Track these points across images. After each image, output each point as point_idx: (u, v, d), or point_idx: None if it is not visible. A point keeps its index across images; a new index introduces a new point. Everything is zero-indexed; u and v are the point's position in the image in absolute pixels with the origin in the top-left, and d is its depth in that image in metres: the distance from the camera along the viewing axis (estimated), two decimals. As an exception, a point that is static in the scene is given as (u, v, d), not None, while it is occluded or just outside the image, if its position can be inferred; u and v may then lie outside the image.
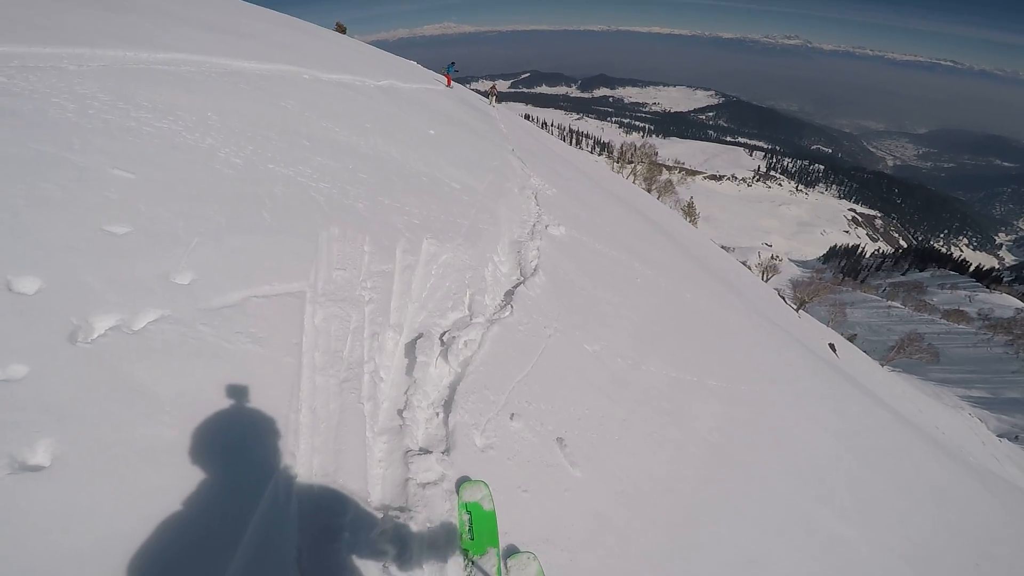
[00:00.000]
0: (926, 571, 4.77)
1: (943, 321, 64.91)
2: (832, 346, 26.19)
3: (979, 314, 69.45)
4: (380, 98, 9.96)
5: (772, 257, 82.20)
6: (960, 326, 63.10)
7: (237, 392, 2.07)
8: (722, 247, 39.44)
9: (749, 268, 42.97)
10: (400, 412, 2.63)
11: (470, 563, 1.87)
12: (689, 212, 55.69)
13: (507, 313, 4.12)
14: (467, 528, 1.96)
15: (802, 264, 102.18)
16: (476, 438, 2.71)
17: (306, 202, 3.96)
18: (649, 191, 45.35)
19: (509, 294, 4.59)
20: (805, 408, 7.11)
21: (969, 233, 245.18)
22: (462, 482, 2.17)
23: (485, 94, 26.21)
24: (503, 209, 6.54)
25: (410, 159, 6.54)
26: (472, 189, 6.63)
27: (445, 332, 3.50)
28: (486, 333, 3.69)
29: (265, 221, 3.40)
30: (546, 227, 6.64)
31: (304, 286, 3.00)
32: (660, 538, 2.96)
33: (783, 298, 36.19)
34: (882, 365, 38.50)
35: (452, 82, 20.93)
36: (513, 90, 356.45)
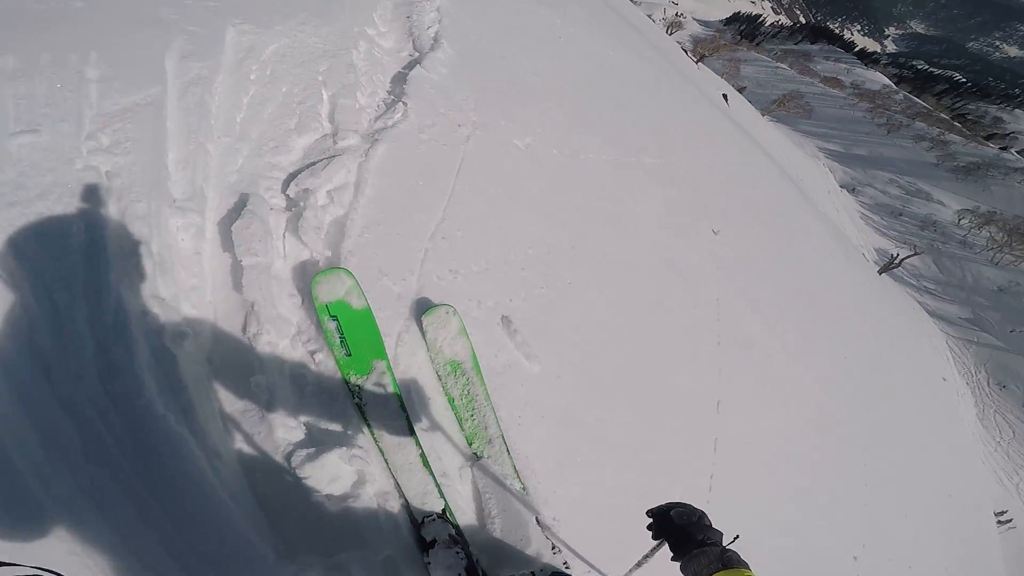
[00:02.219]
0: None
1: (820, 85, 71.55)
2: (725, 96, 28.29)
3: (852, 84, 77.03)
4: None
5: (677, 15, 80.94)
6: (834, 91, 70.21)
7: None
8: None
9: (653, 21, 41.83)
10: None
11: (357, 389, 1.43)
12: None
13: (398, 115, 2.70)
14: (337, 340, 1.47)
15: (705, 24, 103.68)
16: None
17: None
18: None
19: (398, 81, 3.05)
20: (715, 175, 7.19)
21: (864, 21, 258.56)
22: (315, 276, 1.58)
23: None
24: None
25: None
26: None
27: (289, 181, 2.13)
28: (365, 164, 2.34)
29: None
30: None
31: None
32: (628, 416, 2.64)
33: (685, 51, 36.93)
34: (763, 115, 43.03)
35: None
36: None
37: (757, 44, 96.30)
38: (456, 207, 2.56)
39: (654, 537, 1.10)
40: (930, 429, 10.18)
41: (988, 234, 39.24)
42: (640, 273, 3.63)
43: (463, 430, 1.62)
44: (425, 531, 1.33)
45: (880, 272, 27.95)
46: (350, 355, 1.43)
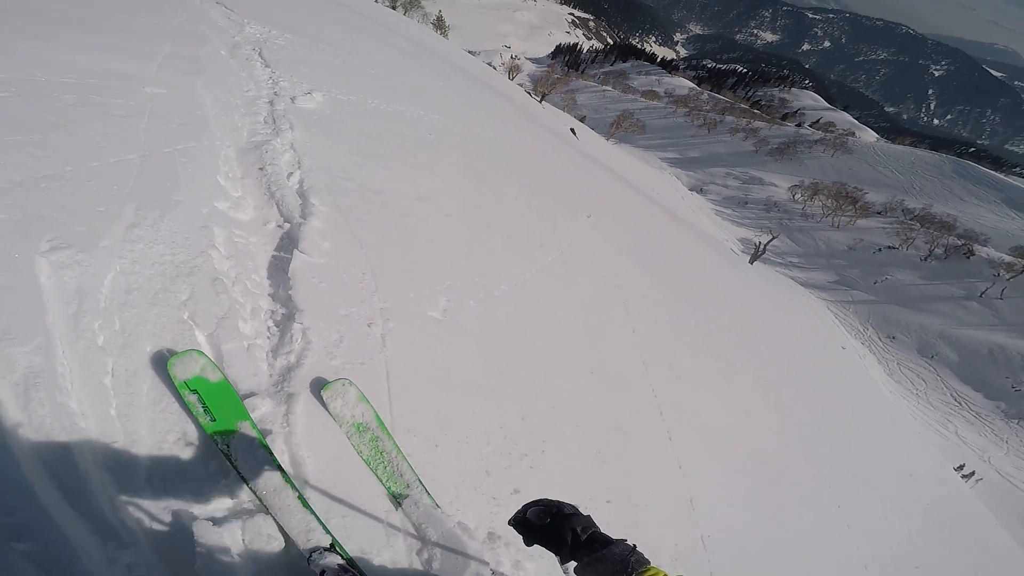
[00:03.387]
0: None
1: (642, 99, 79.53)
2: (573, 130, 28.27)
3: (666, 92, 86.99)
4: None
5: (512, 57, 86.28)
6: (654, 103, 78.31)
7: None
8: (469, 52, 38.29)
9: (494, 68, 42.59)
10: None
11: (226, 448, 1.45)
12: (440, 25, 52.40)
13: (298, 343, 1.99)
14: (200, 409, 1.49)
15: (536, 61, 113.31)
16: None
17: None
18: (394, 7, 39.39)
19: (278, 278, 2.27)
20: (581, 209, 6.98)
21: (657, 32, 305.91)
22: (170, 359, 1.53)
23: None
24: (207, 97, 3.29)
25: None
26: (133, 80, 3.02)
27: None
28: (292, 439, 1.66)
29: None
30: (292, 100, 3.95)
31: None
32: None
33: (529, 93, 37.69)
34: (607, 139, 44.99)
35: None
36: None
37: (582, 72, 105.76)
38: (402, 438, 1.92)
39: (527, 544, 0.98)
40: (863, 410, 11.01)
41: (820, 203, 44.33)
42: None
43: (381, 481, 1.71)
44: (313, 564, 1.32)
45: (751, 262, 29.03)
46: (215, 420, 1.49)
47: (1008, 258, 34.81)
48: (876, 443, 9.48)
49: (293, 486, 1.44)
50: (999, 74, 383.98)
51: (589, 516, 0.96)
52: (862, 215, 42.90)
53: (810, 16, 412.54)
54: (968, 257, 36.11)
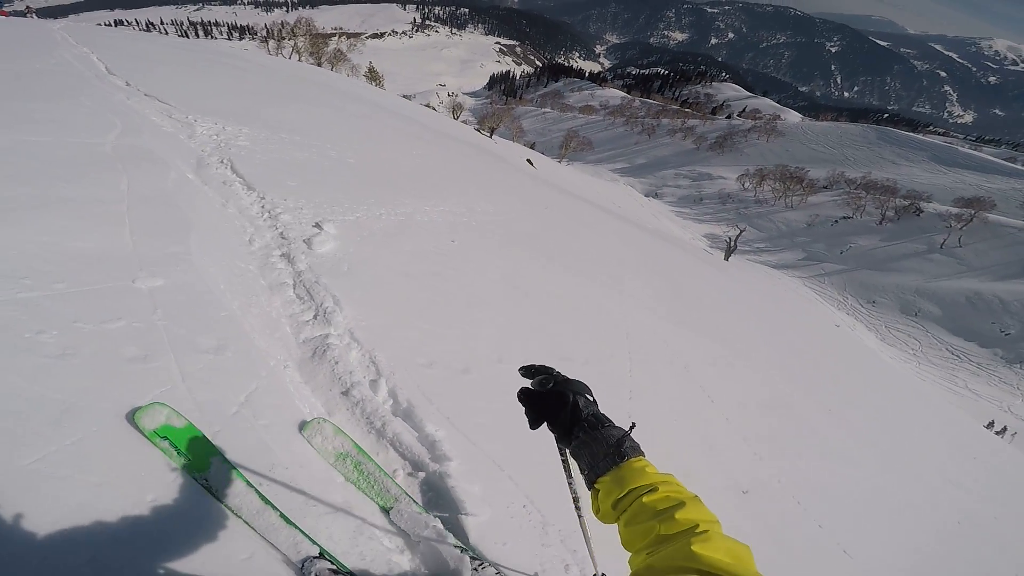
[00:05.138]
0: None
1: (581, 115, 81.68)
2: (529, 161, 28.21)
3: (601, 105, 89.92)
4: None
5: (449, 95, 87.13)
6: (592, 117, 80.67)
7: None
8: (404, 96, 38.22)
9: (434, 109, 42.60)
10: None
11: (204, 481, 1.55)
12: (373, 76, 51.65)
13: None
14: (174, 453, 1.59)
15: (474, 95, 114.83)
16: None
17: None
18: (320, 65, 38.80)
19: None
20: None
21: (579, 48, 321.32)
22: (134, 413, 1.59)
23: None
24: (217, 275, 2.40)
25: None
26: (113, 268, 2.10)
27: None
28: None
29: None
30: (308, 245, 3.09)
31: None
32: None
33: (478, 129, 37.65)
34: (559, 162, 45.52)
35: None
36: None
37: (519, 98, 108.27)
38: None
39: (532, 426, 0.89)
40: (889, 389, 10.75)
41: (769, 187, 46.06)
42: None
43: (370, 497, 1.77)
44: (306, 572, 1.39)
45: (726, 258, 29.39)
46: (190, 459, 1.56)
47: (955, 209, 36.90)
48: (919, 419, 9.28)
49: (273, 506, 1.51)
50: (885, 43, 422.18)
51: (590, 389, 0.92)
52: (810, 192, 44.80)
53: (709, 11, 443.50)
54: (918, 215, 38.07)
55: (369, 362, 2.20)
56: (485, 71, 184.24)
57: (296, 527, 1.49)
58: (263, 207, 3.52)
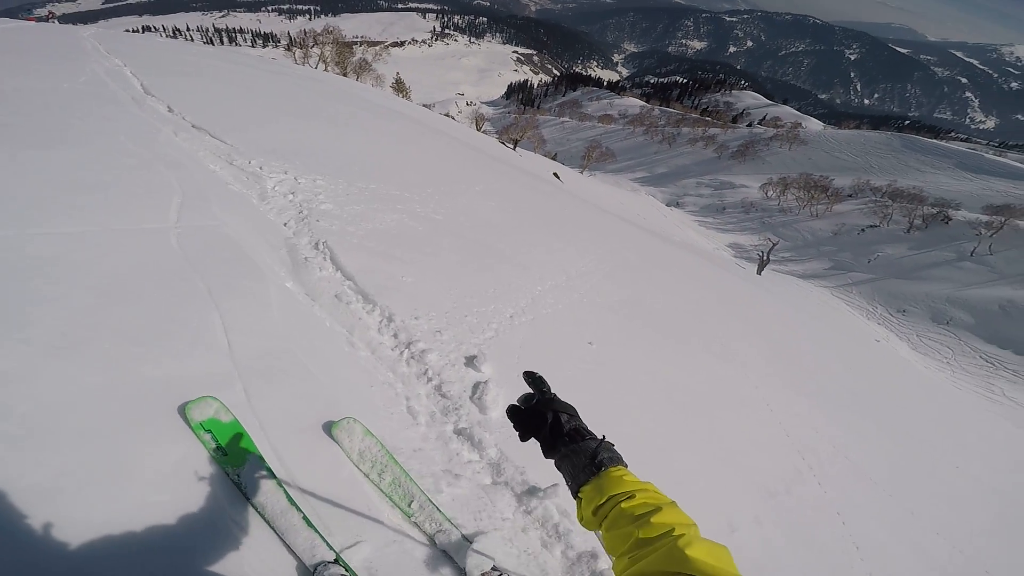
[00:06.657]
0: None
1: (600, 125, 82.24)
2: (556, 174, 28.77)
3: (620, 114, 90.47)
4: None
5: (468, 104, 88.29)
6: (611, 126, 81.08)
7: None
8: (424, 105, 38.80)
9: (453, 118, 43.49)
10: None
11: (236, 477, 1.62)
12: (400, 88, 52.07)
13: None
14: (214, 447, 1.67)
15: (492, 104, 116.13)
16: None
17: None
18: (345, 74, 39.76)
19: None
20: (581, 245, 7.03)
21: (596, 57, 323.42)
22: (184, 406, 1.72)
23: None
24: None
25: None
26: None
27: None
28: None
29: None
30: (477, 404, 2.45)
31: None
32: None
33: (501, 141, 38.24)
34: (581, 172, 46.19)
35: None
36: (111, 4, 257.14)
37: (537, 107, 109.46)
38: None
39: (522, 439, 0.94)
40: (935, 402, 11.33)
41: (793, 196, 46.05)
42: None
43: (393, 502, 1.80)
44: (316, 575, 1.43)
45: (759, 272, 29.46)
46: (227, 455, 1.62)
47: (984, 217, 36.56)
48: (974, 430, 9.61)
49: (298, 507, 1.56)
50: (905, 51, 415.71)
51: (573, 407, 0.96)
52: (836, 201, 44.69)
53: (727, 19, 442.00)
54: (947, 223, 37.76)
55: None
56: (503, 80, 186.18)
57: (316, 531, 1.53)
58: (395, 336, 2.67)
